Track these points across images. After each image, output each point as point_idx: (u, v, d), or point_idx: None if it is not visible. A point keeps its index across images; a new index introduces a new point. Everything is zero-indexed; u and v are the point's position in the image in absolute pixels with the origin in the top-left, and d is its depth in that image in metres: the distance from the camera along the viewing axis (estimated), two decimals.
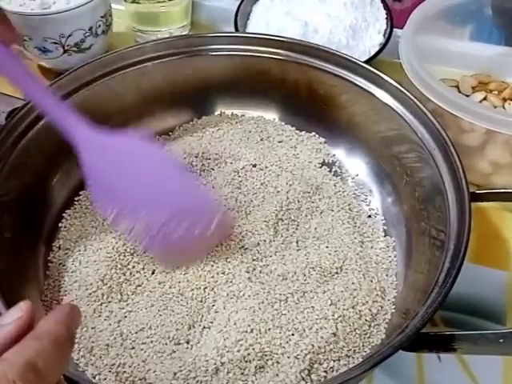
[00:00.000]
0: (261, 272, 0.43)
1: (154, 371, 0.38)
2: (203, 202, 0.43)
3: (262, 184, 0.48)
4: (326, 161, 0.52)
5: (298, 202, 0.47)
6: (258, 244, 0.44)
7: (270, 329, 0.39)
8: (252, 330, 0.39)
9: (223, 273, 0.42)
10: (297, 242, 0.45)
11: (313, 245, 0.44)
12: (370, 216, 0.48)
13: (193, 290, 0.41)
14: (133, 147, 0.42)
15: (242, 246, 0.44)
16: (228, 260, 0.43)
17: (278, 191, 0.47)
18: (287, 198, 0.47)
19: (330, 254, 0.43)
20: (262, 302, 0.40)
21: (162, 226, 0.40)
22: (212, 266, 0.43)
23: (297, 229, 0.45)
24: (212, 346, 0.38)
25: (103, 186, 0.41)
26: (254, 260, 0.43)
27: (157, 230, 0.40)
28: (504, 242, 0.50)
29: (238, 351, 0.38)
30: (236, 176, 0.49)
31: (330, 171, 0.51)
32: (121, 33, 0.69)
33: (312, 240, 0.45)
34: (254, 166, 0.50)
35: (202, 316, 0.40)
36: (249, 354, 0.37)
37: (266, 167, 0.50)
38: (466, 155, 0.49)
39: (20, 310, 0.24)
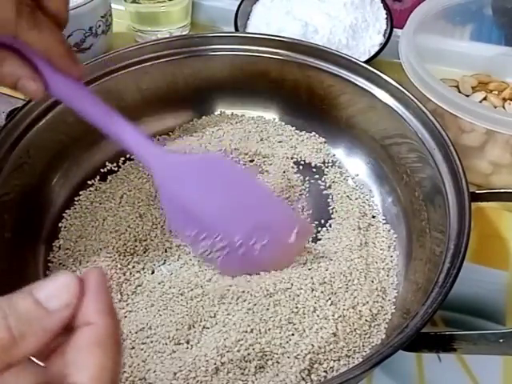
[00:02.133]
0: (260, 271, 0.43)
1: (154, 371, 0.38)
2: (281, 214, 0.42)
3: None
4: (326, 161, 0.52)
5: (299, 202, 0.47)
6: None
7: (269, 329, 0.39)
8: (252, 330, 0.38)
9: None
10: None
11: (316, 245, 0.44)
12: (371, 216, 0.48)
13: (192, 289, 0.41)
14: (205, 164, 0.40)
15: None
16: None
17: (279, 191, 0.47)
18: (288, 200, 0.47)
19: (332, 254, 0.43)
20: (263, 302, 0.40)
21: (242, 242, 0.40)
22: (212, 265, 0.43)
23: None
24: (212, 346, 0.38)
25: (180, 209, 0.40)
26: None
27: (236, 247, 0.40)
28: (504, 241, 0.50)
29: (238, 351, 0.37)
30: None
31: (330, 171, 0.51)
32: (121, 33, 0.69)
33: (315, 240, 0.45)
34: (251, 161, 0.50)
35: (202, 316, 0.40)
36: (249, 354, 0.37)
37: (266, 167, 0.50)
38: (466, 155, 0.49)
39: (67, 291, 0.21)
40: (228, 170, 0.41)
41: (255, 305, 0.40)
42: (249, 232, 0.40)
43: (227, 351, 0.37)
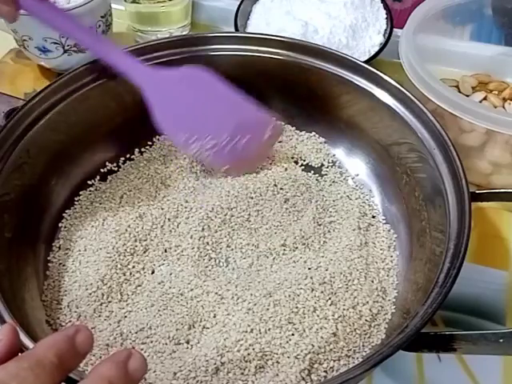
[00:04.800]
0: (260, 271, 0.43)
1: (154, 371, 0.38)
2: (256, 116, 0.48)
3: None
4: (326, 161, 0.52)
5: (298, 202, 0.47)
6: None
7: (269, 329, 0.39)
8: (252, 330, 0.39)
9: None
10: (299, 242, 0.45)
11: (316, 245, 0.44)
12: (371, 216, 0.48)
13: (192, 289, 0.41)
14: (189, 77, 0.47)
15: (243, 246, 0.44)
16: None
17: (279, 191, 0.47)
18: (288, 199, 0.47)
19: (332, 254, 0.43)
20: (263, 302, 0.40)
21: (227, 141, 0.46)
22: (212, 266, 0.43)
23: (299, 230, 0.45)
24: (212, 346, 0.38)
25: (171, 117, 0.46)
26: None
27: (222, 145, 0.46)
28: (504, 241, 0.50)
29: (238, 351, 0.38)
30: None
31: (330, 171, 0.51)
32: (121, 33, 0.69)
33: (315, 240, 0.45)
34: None
35: (202, 316, 0.40)
36: (249, 354, 0.37)
37: (266, 167, 0.50)
38: (466, 155, 0.49)
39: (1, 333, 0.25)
40: (210, 80, 0.47)
41: (255, 305, 0.40)
42: (233, 131, 0.47)
43: (227, 351, 0.38)
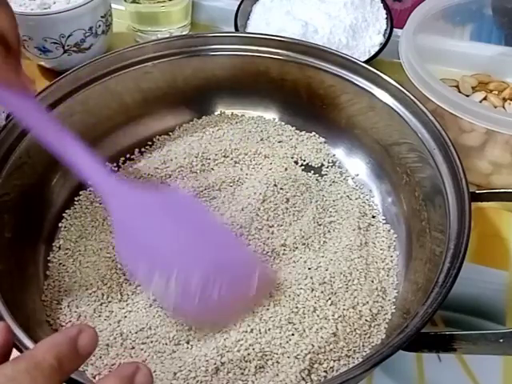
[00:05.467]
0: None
1: (154, 371, 0.38)
2: (242, 257, 0.40)
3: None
4: (326, 161, 0.52)
5: (298, 202, 0.47)
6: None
7: (269, 329, 0.39)
8: (252, 330, 0.38)
9: None
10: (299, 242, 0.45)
11: (316, 245, 0.44)
12: (371, 216, 0.48)
13: None
14: (165, 201, 0.40)
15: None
16: None
17: (279, 191, 0.47)
18: (288, 199, 0.47)
19: (332, 254, 0.43)
20: (262, 302, 0.40)
21: (200, 285, 0.37)
22: None
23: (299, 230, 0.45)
24: (212, 346, 0.38)
25: (133, 242, 0.38)
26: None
27: (193, 289, 0.37)
28: (504, 241, 0.50)
29: (238, 351, 0.37)
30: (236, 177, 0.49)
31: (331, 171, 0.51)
32: (121, 33, 0.69)
33: (315, 240, 0.45)
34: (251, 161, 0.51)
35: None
36: (249, 354, 0.37)
37: (266, 167, 0.50)
38: (466, 155, 0.49)
39: None
40: (188, 207, 0.40)
41: (255, 305, 0.40)
42: (207, 273, 0.37)
43: (227, 351, 0.37)
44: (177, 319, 0.39)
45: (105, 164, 0.39)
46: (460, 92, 0.57)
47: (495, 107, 0.55)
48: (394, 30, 0.61)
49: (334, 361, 0.38)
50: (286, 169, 0.50)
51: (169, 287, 0.37)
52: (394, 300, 0.42)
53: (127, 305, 0.41)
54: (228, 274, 0.38)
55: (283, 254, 0.44)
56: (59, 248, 0.46)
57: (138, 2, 0.64)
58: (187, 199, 0.42)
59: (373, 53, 0.60)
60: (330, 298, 0.40)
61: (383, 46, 0.60)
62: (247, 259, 0.41)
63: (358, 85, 0.48)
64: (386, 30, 0.62)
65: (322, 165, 0.52)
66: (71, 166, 0.38)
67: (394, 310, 0.41)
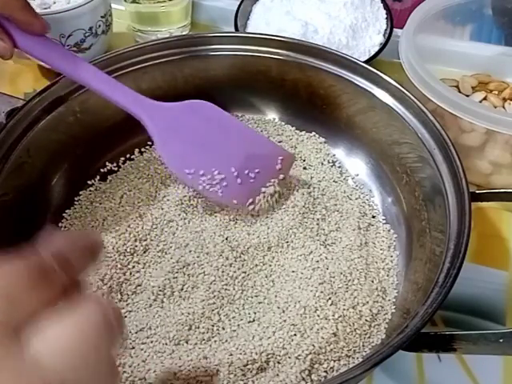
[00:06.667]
0: (261, 272, 0.43)
1: (154, 371, 0.38)
2: (265, 147, 0.46)
3: None
4: (326, 161, 0.52)
5: (299, 202, 0.47)
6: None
7: (274, 332, 0.38)
8: (253, 337, 0.38)
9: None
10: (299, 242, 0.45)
11: (316, 245, 0.44)
12: (371, 216, 0.48)
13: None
14: (193, 110, 0.45)
15: (243, 247, 0.44)
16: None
17: (279, 191, 0.47)
18: (288, 199, 0.47)
19: (332, 254, 0.43)
20: (263, 302, 0.40)
21: (238, 173, 0.44)
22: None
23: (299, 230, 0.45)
24: (214, 350, 0.38)
25: (176, 152, 0.44)
26: (254, 259, 0.43)
27: (233, 178, 0.44)
28: (504, 241, 0.50)
29: (244, 354, 0.37)
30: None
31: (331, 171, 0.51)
32: (121, 33, 0.69)
33: (315, 240, 0.45)
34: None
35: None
36: (252, 358, 0.37)
37: None
38: (466, 155, 0.49)
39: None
40: (214, 113, 0.45)
41: (256, 305, 0.40)
42: (241, 164, 0.44)
43: (230, 354, 0.37)
44: (228, 205, 0.45)
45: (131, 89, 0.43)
46: (460, 92, 0.57)
47: (495, 107, 0.55)
48: (394, 30, 0.61)
49: (335, 361, 0.38)
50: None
51: (214, 182, 0.43)
52: (394, 300, 0.42)
53: (127, 305, 0.41)
54: (258, 161, 0.45)
55: (282, 253, 0.44)
56: None
57: (138, 2, 0.64)
58: (209, 105, 0.46)
59: (373, 53, 0.60)
60: (330, 298, 0.40)
61: (383, 46, 0.60)
62: (271, 148, 0.46)
63: (357, 85, 0.48)
64: (386, 29, 0.62)
65: (322, 165, 0.52)
66: (105, 96, 0.43)
67: (394, 310, 0.41)
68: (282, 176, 0.45)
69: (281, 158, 0.45)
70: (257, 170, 0.45)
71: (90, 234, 0.25)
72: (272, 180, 0.45)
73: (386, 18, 0.63)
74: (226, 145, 0.45)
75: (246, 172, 0.44)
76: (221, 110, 0.46)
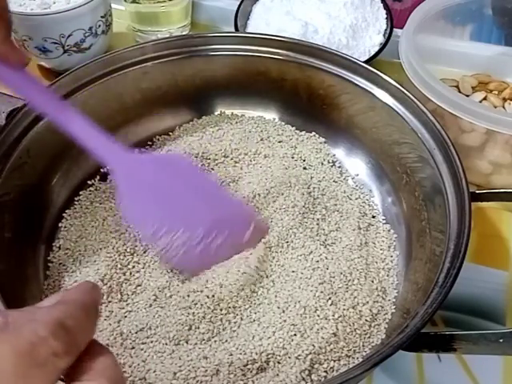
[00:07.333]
0: (261, 272, 0.43)
1: (154, 371, 0.38)
2: (238, 211, 0.44)
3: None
4: (326, 161, 0.52)
5: (299, 202, 0.47)
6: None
7: (274, 332, 0.38)
8: (253, 337, 0.38)
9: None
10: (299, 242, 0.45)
11: (316, 245, 0.45)
12: (371, 216, 0.48)
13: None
14: (165, 163, 0.43)
15: None
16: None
17: (279, 191, 0.47)
18: (288, 199, 0.47)
19: (332, 254, 0.43)
20: (263, 303, 0.40)
21: (202, 237, 0.41)
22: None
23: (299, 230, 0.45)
24: (214, 351, 0.38)
25: (139, 206, 0.41)
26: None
27: (195, 243, 0.41)
28: (504, 241, 0.50)
29: (244, 354, 0.37)
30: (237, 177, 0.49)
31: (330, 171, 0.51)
32: (121, 33, 0.69)
33: (315, 240, 0.45)
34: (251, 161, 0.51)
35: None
36: (252, 359, 0.37)
37: (267, 166, 0.50)
38: (466, 155, 0.49)
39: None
40: (185, 168, 0.43)
41: (256, 305, 0.40)
42: (209, 227, 0.41)
43: (230, 354, 0.37)
44: (181, 270, 0.42)
45: (105, 133, 0.40)
46: (460, 92, 0.57)
47: (495, 107, 0.55)
48: (394, 30, 0.61)
49: (334, 361, 0.38)
50: (286, 168, 0.50)
51: (175, 242, 0.40)
52: (394, 300, 0.42)
53: (127, 305, 0.41)
54: (227, 226, 0.42)
55: (282, 253, 0.44)
56: (59, 248, 0.46)
57: (138, 2, 0.64)
58: (185, 161, 0.44)
59: (373, 53, 0.60)
60: (330, 298, 0.40)
61: (383, 46, 0.60)
62: (243, 212, 0.44)
63: (358, 85, 0.48)
64: (385, 29, 0.62)
65: (322, 165, 0.52)
66: (73, 137, 0.39)
67: (393, 310, 0.41)
68: (248, 252, 0.42)
69: (254, 223, 0.43)
70: (225, 234, 0.41)
71: (86, 286, 0.25)
72: (235, 255, 0.42)
73: (386, 18, 0.63)
74: (195, 204, 0.42)
75: (213, 235, 0.41)
76: (197, 169, 0.45)
